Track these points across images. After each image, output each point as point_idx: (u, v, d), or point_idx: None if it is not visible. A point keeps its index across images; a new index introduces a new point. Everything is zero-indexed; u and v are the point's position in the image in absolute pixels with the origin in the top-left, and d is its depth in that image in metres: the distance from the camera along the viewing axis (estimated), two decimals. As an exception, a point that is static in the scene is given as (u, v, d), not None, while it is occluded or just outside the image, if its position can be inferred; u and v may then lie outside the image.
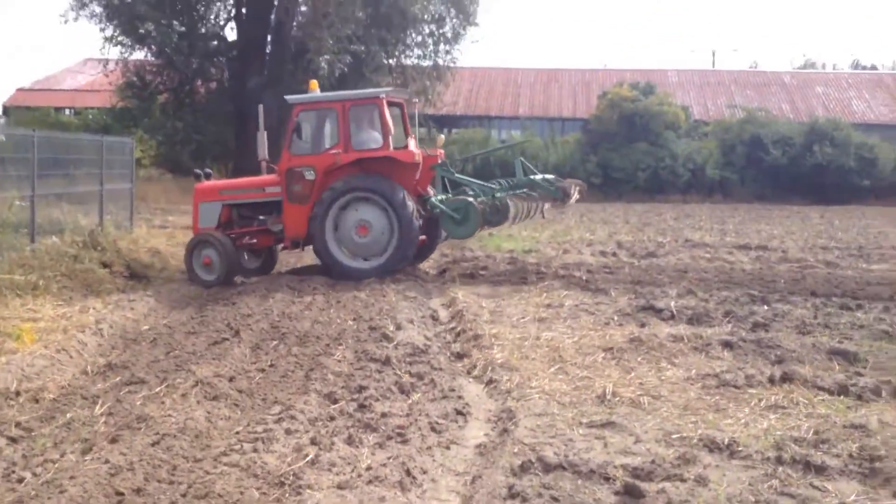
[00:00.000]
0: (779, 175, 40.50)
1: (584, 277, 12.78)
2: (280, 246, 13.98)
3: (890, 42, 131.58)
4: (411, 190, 13.04)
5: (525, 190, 13.87)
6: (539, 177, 14.43)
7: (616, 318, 9.64)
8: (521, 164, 14.45)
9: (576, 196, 14.53)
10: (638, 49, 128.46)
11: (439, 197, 13.35)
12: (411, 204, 12.73)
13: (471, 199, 13.16)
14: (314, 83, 14.18)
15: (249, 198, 13.66)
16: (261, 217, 13.59)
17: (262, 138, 13.51)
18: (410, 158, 13.10)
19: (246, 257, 13.90)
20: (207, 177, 14.06)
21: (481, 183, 14.05)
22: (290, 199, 13.08)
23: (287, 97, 13.60)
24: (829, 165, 40.66)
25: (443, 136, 16.74)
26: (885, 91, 52.03)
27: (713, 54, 65.59)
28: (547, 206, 14.19)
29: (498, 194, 13.47)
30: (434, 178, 13.73)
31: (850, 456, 5.07)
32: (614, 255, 16.33)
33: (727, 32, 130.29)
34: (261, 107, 14.14)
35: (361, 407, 6.13)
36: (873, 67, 79.04)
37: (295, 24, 33.64)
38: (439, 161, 13.76)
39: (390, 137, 13.00)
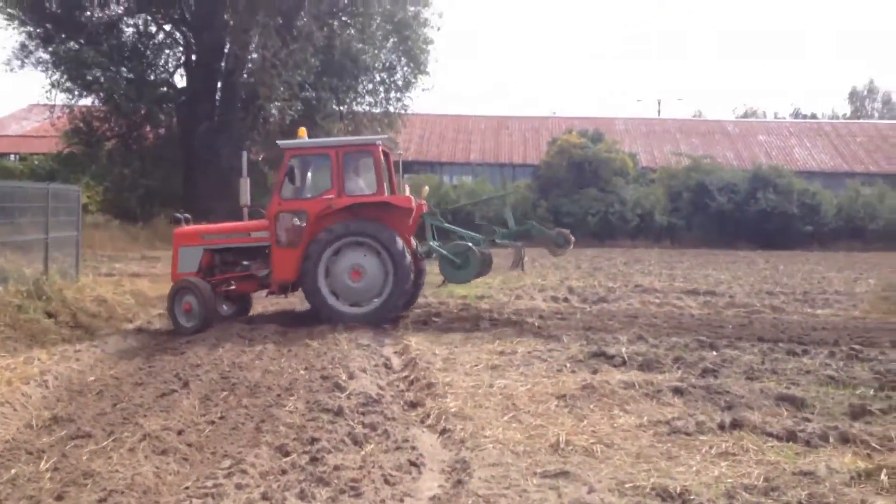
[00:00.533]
0: (724, 221, 41.37)
1: (536, 324, 12.85)
2: (266, 291, 13.83)
3: (829, 91, 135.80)
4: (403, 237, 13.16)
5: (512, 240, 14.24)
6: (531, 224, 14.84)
7: (568, 364, 9.67)
8: (510, 213, 14.78)
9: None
10: (586, 98, 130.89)
11: (436, 243, 13.66)
12: (407, 251, 12.87)
13: (470, 245, 13.55)
14: (303, 130, 14.31)
15: (233, 242, 13.56)
16: (245, 262, 13.52)
17: (245, 184, 13.49)
18: (408, 204, 13.18)
19: (223, 304, 13.80)
20: (187, 221, 13.93)
21: (468, 232, 14.30)
22: (279, 243, 13.05)
23: (279, 142, 13.65)
24: (773, 212, 41.66)
25: (427, 187, 17.07)
26: (826, 139, 53.65)
27: (658, 103, 67.16)
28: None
29: (498, 240, 14.01)
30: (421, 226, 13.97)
31: (800, 503, 5.12)
32: (566, 300, 16.44)
33: (672, 82, 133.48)
34: (244, 153, 14.13)
35: (314, 460, 6.04)
36: (813, 116, 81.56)
37: (245, 71, 33.71)
38: (426, 209, 14.01)
39: (385, 184, 13.17)
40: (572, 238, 14.39)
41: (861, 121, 67.84)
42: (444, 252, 13.47)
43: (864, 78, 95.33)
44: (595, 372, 9.24)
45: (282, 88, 30.88)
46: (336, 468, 5.86)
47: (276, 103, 31.44)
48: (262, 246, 13.34)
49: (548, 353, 10.40)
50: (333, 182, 13.08)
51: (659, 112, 66.25)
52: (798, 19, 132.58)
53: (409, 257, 12.85)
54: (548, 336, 11.63)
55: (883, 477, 5.54)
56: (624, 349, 10.37)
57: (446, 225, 14.36)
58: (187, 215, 14.18)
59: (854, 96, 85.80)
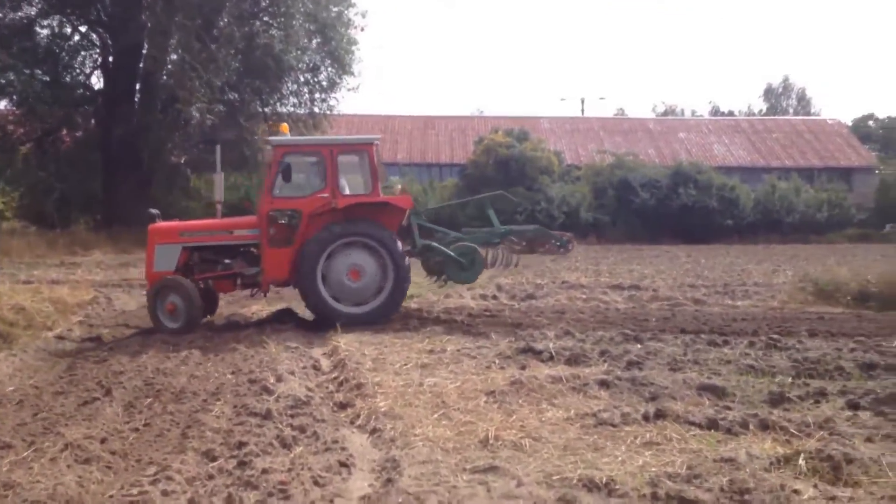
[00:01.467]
0: (648, 216, 42.22)
1: (465, 322, 12.93)
2: (249, 291, 13.66)
3: (745, 89, 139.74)
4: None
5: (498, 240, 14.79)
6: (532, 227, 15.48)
7: (497, 361, 9.74)
8: (492, 215, 14.99)
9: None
10: (511, 97, 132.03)
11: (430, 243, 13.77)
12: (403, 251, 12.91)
13: (476, 246, 13.82)
14: (285, 126, 14.15)
15: (214, 240, 13.13)
16: (226, 261, 13.13)
17: (220, 180, 13.19)
18: (408, 205, 13.30)
19: None
20: (159, 218, 13.38)
21: (448, 231, 14.50)
22: (271, 242, 12.79)
23: (271, 139, 13.38)
24: (694, 206, 42.67)
25: (400, 186, 17.21)
26: (743, 136, 55.15)
27: (582, 102, 68.11)
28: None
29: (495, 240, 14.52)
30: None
31: (721, 489, 5.25)
32: (494, 298, 16.57)
33: (595, 81, 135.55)
34: (218, 147, 13.75)
35: (241, 464, 5.96)
36: (731, 113, 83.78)
37: (164, 72, 33.06)
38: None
39: (380, 184, 13.16)
40: (573, 242, 14.84)
41: (777, 117, 69.94)
42: (450, 253, 13.60)
43: (780, 75, 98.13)
44: (523, 367, 9.33)
45: (202, 90, 30.36)
46: (264, 471, 5.79)
47: (197, 105, 30.91)
48: (245, 244, 13.09)
49: (477, 350, 10.46)
50: (328, 181, 12.91)
51: (583, 111, 67.28)
52: (715, 18, 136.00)
53: (405, 256, 12.97)
54: (477, 333, 11.70)
55: (801, 462, 5.71)
56: (551, 344, 10.49)
57: (428, 224, 14.41)
58: (157, 211, 13.67)
59: (770, 93, 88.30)
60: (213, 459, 6.10)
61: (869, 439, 6.50)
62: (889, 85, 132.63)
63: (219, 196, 13.27)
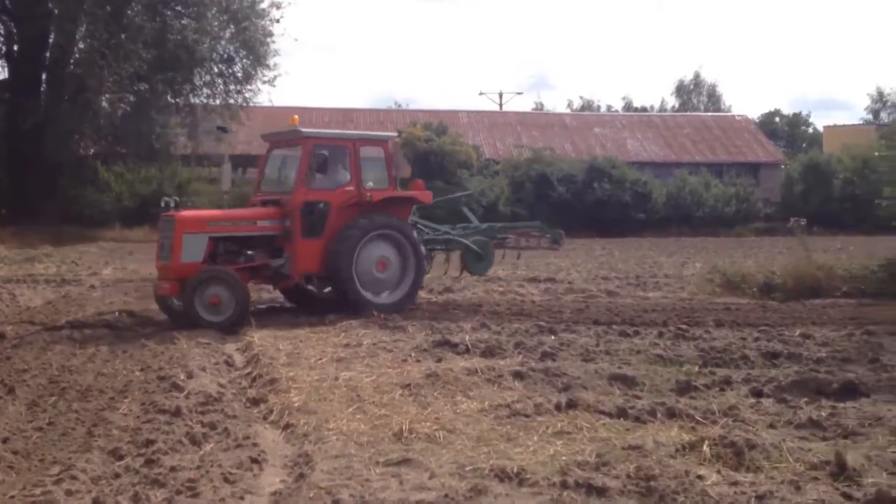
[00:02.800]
0: (564, 210, 42.81)
1: (382, 315, 12.89)
2: (274, 285, 13.81)
3: (658, 84, 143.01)
4: None
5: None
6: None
7: (413, 354, 9.76)
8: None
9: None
10: (429, 91, 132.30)
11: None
12: None
13: (487, 239, 15.32)
14: (295, 118, 14.35)
15: (239, 231, 12.92)
16: (248, 252, 12.87)
17: (228, 170, 13.32)
18: (429, 199, 14.17)
19: None
20: (176, 206, 12.92)
21: (438, 227, 15.68)
22: (304, 233, 12.81)
23: (302, 129, 13.50)
24: (609, 200, 43.49)
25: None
26: (656, 131, 56.37)
27: (500, 97, 68.45)
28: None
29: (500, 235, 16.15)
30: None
31: (629, 476, 5.37)
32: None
33: (513, 76, 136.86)
34: (225, 137, 13.92)
35: (149, 462, 5.83)
36: (644, 109, 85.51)
37: (72, 61, 32.04)
38: None
39: (396, 179, 13.80)
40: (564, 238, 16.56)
41: (688, 113, 71.69)
42: (470, 244, 14.88)
43: (690, 72, 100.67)
44: (439, 360, 9.37)
45: (111, 80, 29.52)
46: (172, 469, 5.68)
47: (107, 95, 30.05)
48: (267, 235, 12.99)
49: (393, 343, 10.46)
50: (353, 174, 13.24)
51: (501, 106, 67.66)
52: (630, 13, 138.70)
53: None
54: (394, 327, 11.68)
55: (705, 448, 5.88)
56: (467, 337, 10.56)
57: (413, 218, 14.60)
58: (176, 199, 13.29)
59: (681, 89, 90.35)
60: (120, 458, 5.95)
61: (771, 425, 6.74)
62: (794, 82, 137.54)
63: (226, 186, 13.41)
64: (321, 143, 13.27)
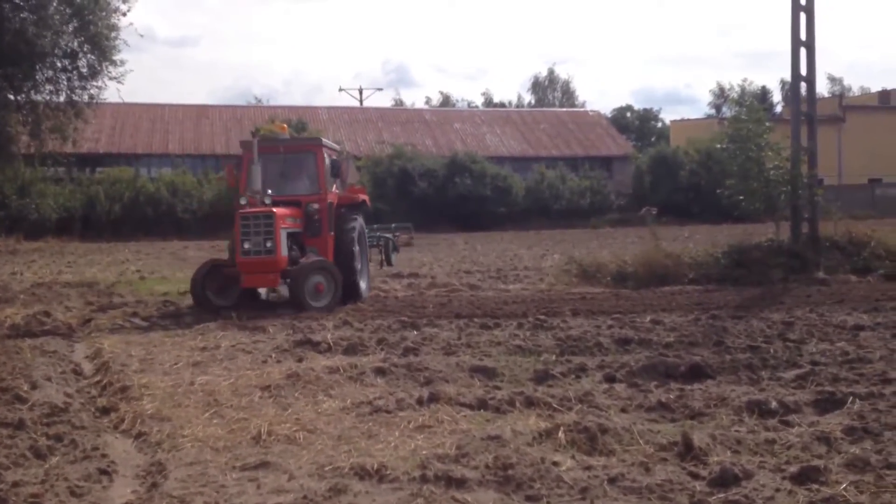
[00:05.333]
0: (427, 205, 43.12)
1: (241, 316, 12.59)
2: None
3: (515, 80, 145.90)
4: None
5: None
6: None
7: (274, 354, 9.60)
8: None
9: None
10: (289, 88, 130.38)
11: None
12: None
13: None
14: (284, 126, 16.44)
15: (297, 227, 14.01)
16: (294, 247, 13.95)
17: (257, 171, 13.43)
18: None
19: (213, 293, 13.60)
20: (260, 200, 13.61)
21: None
22: (329, 229, 14.25)
23: (324, 140, 15.25)
24: (470, 195, 44.06)
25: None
26: (514, 127, 57.46)
27: (360, 93, 68.05)
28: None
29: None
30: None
31: (487, 466, 5.45)
32: (274, 292, 16.25)
33: (373, 72, 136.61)
34: (255, 140, 14.01)
35: (-11, 479, 5.49)
36: (502, 105, 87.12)
37: None
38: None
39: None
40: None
41: (544, 109, 73.47)
42: (391, 238, 19.40)
43: (545, 68, 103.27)
44: (300, 360, 9.26)
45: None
46: (15, 485, 5.36)
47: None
48: (297, 232, 13.96)
49: (252, 345, 10.26)
50: (342, 179, 15.23)
51: (361, 102, 67.29)
52: (487, 10, 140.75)
53: None
54: (253, 328, 11.46)
55: (560, 435, 6.04)
56: (329, 335, 10.49)
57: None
58: (269, 191, 13.76)
59: (537, 86, 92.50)
60: (-44, 477, 5.57)
61: (623, 409, 7.00)
62: (645, 78, 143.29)
63: (256, 186, 13.43)
64: (328, 152, 14.83)
